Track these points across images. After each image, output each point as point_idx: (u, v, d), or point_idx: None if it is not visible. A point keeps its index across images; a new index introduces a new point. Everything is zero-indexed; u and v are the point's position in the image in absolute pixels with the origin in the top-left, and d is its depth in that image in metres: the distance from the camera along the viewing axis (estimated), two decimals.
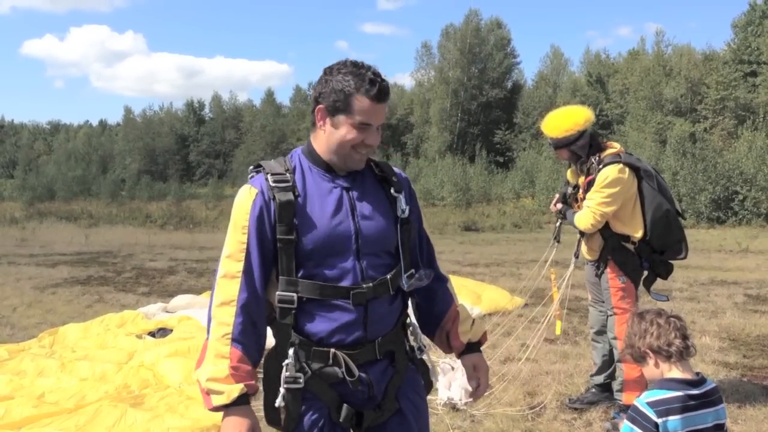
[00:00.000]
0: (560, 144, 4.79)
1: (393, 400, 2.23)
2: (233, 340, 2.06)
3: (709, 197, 24.92)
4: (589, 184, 4.69)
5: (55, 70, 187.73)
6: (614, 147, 4.77)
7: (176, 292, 9.95)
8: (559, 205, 5.10)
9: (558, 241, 5.38)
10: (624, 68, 47.12)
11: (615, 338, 4.67)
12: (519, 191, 37.33)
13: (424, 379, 2.39)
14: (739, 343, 6.82)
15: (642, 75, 43.47)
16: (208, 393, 2.05)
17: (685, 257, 4.80)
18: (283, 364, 2.11)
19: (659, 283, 4.94)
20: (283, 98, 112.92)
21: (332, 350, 2.11)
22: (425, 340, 2.43)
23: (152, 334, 6.93)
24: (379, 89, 2.09)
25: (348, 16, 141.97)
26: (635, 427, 2.29)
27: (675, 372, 2.37)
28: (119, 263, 14.20)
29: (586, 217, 4.64)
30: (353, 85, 2.08)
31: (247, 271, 2.09)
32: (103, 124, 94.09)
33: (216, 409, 2.05)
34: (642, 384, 4.60)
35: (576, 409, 4.94)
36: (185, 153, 73.02)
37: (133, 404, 4.82)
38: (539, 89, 52.79)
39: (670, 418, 2.27)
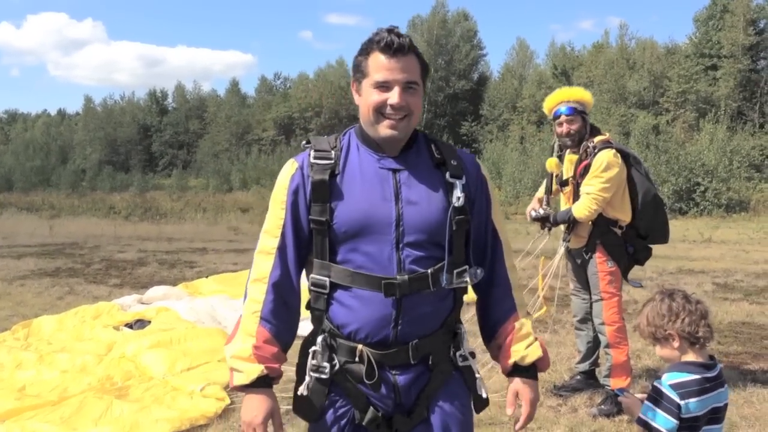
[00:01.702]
0: (578, 111, 4.78)
1: (424, 408, 2.05)
2: (262, 318, 1.98)
3: (672, 188, 25.37)
4: (585, 170, 4.72)
5: (10, 59, 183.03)
6: (604, 135, 4.85)
7: (149, 283, 9.83)
8: (541, 211, 5.07)
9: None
10: (588, 61, 47.59)
11: (603, 324, 4.72)
12: None
13: (472, 391, 2.14)
14: (713, 330, 6.96)
15: (606, 68, 44.00)
16: (231, 370, 2.00)
17: (666, 242, 4.93)
18: (310, 350, 2.02)
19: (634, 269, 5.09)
20: (248, 88, 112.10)
21: (360, 346, 1.98)
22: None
23: (130, 326, 6.84)
24: (389, 42, 1.93)
25: (312, 6, 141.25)
26: (659, 410, 2.32)
27: (693, 356, 2.42)
28: (87, 255, 13.96)
29: (587, 204, 4.63)
30: (366, 45, 2.00)
31: (282, 248, 2.01)
32: (62, 113, 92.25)
33: (237, 388, 1.99)
34: (628, 369, 4.71)
35: (561, 395, 5.01)
36: (148, 143, 71.80)
37: (118, 396, 4.76)
38: (505, 81, 53.05)
39: (691, 400, 2.32)
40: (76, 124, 79.99)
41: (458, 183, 2.05)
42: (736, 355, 6.03)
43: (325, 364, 2.00)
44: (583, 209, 4.66)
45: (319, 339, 2.01)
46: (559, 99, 4.84)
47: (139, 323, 6.88)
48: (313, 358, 2.01)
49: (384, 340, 1.98)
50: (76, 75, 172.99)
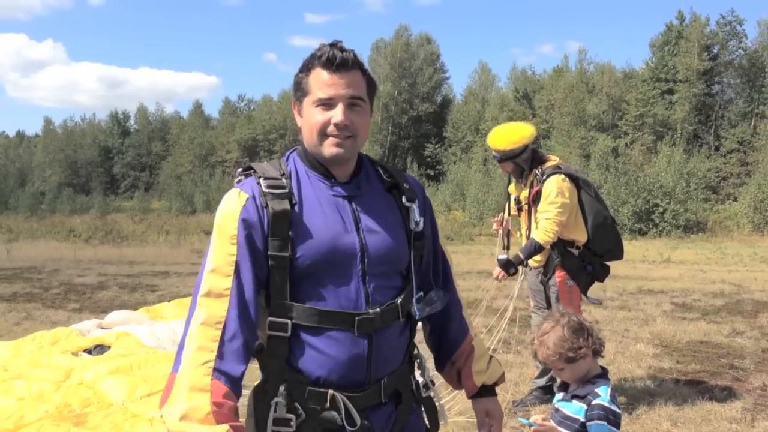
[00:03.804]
0: (506, 156, 5.01)
1: None
2: (216, 369, 1.67)
3: (632, 210, 25.88)
4: (536, 195, 4.91)
5: None
6: (553, 160, 5.07)
7: (109, 308, 9.64)
8: (503, 257, 5.15)
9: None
10: (549, 85, 48.50)
11: None
12: (450, 204, 37.85)
13: (430, 420, 2.06)
14: (671, 349, 7.11)
15: (566, 91, 44.86)
16: None
17: (621, 257, 5.15)
18: (272, 403, 1.78)
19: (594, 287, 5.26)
20: (212, 110, 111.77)
21: (330, 391, 1.78)
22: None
23: (89, 351, 6.69)
24: (330, 56, 1.79)
25: (276, 29, 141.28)
26: (614, 428, 2.38)
27: (598, 366, 2.55)
28: (45, 279, 13.66)
29: (547, 228, 4.84)
30: (307, 61, 1.85)
31: (238, 288, 1.74)
32: (20, 135, 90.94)
33: None
34: None
35: (516, 412, 5.06)
36: (109, 165, 71.08)
37: (75, 423, 4.65)
38: (468, 104, 53.76)
39: (619, 407, 2.49)
40: (36, 146, 78.98)
41: (414, 207, 1.96)
42: (695, 374, 6.14)
43: (290, 415, 1.77)
44: (543, 234, 4.86)
45: (282, 389, 1.78)
46: (489, 143, 5.14)
47: (99, 348, 6.74)
48: (275, 411, 1.77)
49: (358, 382, 1.82)
50: (35, 96, 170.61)
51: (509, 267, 5.12)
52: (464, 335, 2.10)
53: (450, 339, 2.10)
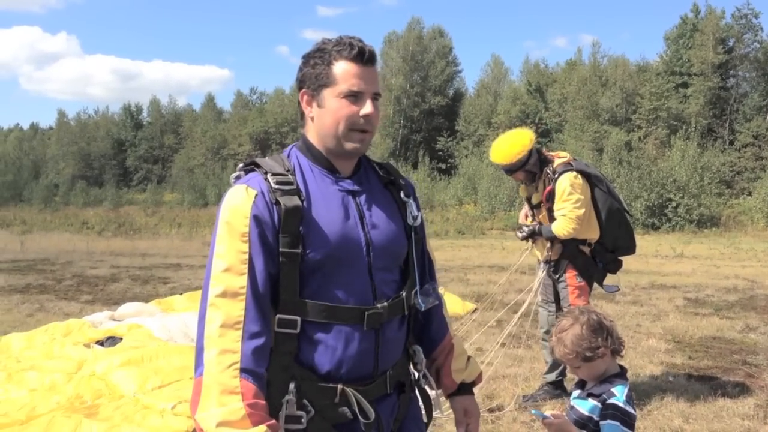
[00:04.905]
0: (514, 168, 5.00)
1: None
2: (243, 370, 1.67)
3: (645, 204, 25.72)
4: (550, 194, 4.88)
5: None
6: (563, 156, 5.02)
7: (121, 300, 9.70)
8: (526, 229, 5.19)
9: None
10: (562, 78, 48.21)
11: None
12: (462, 198, 37.79)
13: (426, 410, 2.11)
14: (684, 344, 7.07)
15: (579, 85, 44.57)
16: None
17: (633, 252, 5.14)
18: (283, 401, 1.76)
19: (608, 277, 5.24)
20: (224, 103, 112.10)
21: (340, 386, 1.80)
22: None
23: (101, 343, 6.73)
24: (360, 49, 1.81)
25: (288, 22, 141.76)
26: (627, 429, 2.33)
27: (616, 366, 2.50)
28: (58, 270, 13.76)
29: (565, 224, 4.82)
30: (330, 53, 1.83)
31: (252, 285, 1.72)
32: (34, 127, 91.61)
33: None
34: None
35: (527, 407, 5.05)
36: (122, 158, 71.42)
37: (87, 415, 4.68)
38: (480, 97, 53.54)
39: (634, 407, 2.43)
40: (49, 139, 79.53)
41: (411, 202, 2.01)
42: (707, 370, 6.10)
43: (301, 413, 1.77)
44: (561, 229, 4.85)
45: (291, 386, 1.77)
46: (494, 161, 5.14)
47: (110, 340, 6.77)
48: (286, 409, 1.76)
49: (366, 376, 1.85)
50: (49, 89, 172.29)
51: (533, 236, 5.15)
52: (444, 333, 2.14)
53: (431, 336, 2.13)
